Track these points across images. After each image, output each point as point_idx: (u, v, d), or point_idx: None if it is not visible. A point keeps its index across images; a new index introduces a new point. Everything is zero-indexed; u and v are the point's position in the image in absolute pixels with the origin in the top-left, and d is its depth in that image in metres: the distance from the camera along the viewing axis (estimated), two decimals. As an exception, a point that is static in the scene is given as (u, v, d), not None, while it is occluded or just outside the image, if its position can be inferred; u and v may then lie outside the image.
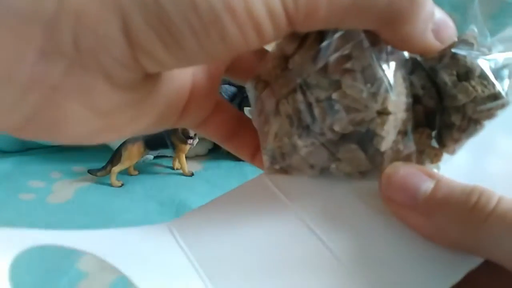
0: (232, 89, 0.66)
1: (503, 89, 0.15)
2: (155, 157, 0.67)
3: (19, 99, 0.13)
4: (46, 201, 0.57)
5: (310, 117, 0.16)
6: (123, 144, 0.62)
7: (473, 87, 0.15)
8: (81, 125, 0.14)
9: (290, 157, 0.17)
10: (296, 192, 0.17)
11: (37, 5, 0.12)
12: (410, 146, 0.15)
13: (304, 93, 0.15)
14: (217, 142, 0.20)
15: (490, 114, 0.15)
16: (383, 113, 0.14)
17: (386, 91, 0.14)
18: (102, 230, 0.16)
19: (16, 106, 0.13)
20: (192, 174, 0.63)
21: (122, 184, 0.61)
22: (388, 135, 0.15)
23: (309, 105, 0.15)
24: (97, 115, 0.14)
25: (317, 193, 0.17)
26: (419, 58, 0.16)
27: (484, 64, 0.15)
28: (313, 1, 0.13)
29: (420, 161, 0.16)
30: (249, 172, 0.64)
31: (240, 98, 0.66)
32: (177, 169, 0.65)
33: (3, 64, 0.12)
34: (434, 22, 0.15)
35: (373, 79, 0.14)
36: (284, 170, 0.18)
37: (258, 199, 0.18)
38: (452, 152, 0.16)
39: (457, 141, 0.16)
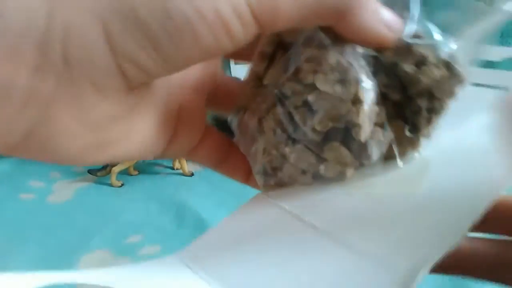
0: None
1: (457, 69, 0.17)
2: (155, 157, 0.67)
3: (16, 115, 0.13)
4: (46, 201, 0.57)
5: (292, 125, 0.16)
6: (123, 144, 0.62)
7: (431, 71, 0.16)
8: (74, 140, 0.14)
9: (281, 168, 0.17)
10: (297, 200, 0.17)
11: (29, 22, 0.12)
12: (388, 136, 0.17)
13: (283, 104, 0.16)
14: (209, 168, 0.20)
15: (451, 92, 0.17)
16: (357, 102, 0.16)
17: (356, 81, 0.16)
18: (117, 268, 0.16)
19: (14, 123, 0.13)
20: (192, 174, 0.63)
21: (122, 184, 0.61)
22: (365, 123, 0.16)
23: (290, 114, 0.16)
24: (89, 128, 0.14)
25: (314, 198, 0.17)
26: (378, 55, 0.17)
27: (437, 50, 0.17)
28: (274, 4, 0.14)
29: (402, 151, 0.17)
30: (249, 172, 0.64)
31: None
32: (177, 169, 0.65)
33: (1, 81, 0.12)
34: (383, 15, 0.16)
35: (342, 73, 0.16)
36: (279, 184, 0.18)
37: (266, 218, 0.18)
38: (428, 136, 0.17)
39: (429, 123, 0.17)
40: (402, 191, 0.16)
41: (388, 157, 0.17)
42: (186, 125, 0.18)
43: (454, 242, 0.14)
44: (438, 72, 0.16)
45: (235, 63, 0.73)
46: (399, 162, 0.17)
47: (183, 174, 0.63)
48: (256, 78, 0.18)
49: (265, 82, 0.17)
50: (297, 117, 0.16)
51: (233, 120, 0.19)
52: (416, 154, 0.17)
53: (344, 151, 0.17)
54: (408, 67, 0.17)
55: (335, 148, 0.17)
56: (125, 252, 0.45)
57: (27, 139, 0.14)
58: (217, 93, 0.20)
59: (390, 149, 0.17)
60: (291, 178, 0.18)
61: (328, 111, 0.16)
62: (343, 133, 0.16)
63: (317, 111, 0.16)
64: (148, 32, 0.13)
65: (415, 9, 0.17)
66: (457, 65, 0.17)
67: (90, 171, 0.62)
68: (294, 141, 0.17)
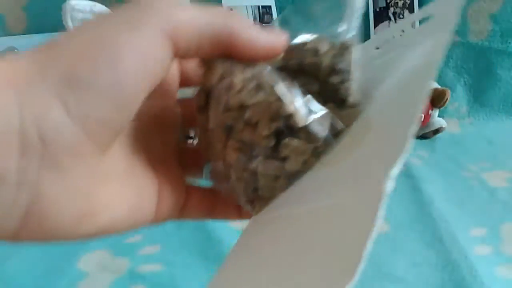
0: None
1: (344, 43, 0.21)
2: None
3: (12, 199, 0.15)
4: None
5: (247, 145, 0.19)
6: (123, 144, 0.62)
7: (326, 53, 0.20)
8: (66, 210, 0.16)
9: (258, 185, 0.20)
10: (282, 202, 0.19)
11: (8, 120, 0.15)
12: (321, 109, 0.19)
13: (232, 134, 0.19)
14: (203, 219, 0.23)
15: (348, 59, 0.20)
16: (279, 98, 0.18)
17: (271, 80, 0.18)
18: None
19: (11, 207, 0.15)
20: (192, 174, 0.63)
21: None
22: (296, 111, 0.18)
23: (241, 139, 0.19)
24: (75, 195, 0.16)
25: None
26: (286, 65, 0.20)
27: (323, 39, 0.21)
28: (176, 31, 0.17)
29: (346, 124, 0.20)
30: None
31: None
32: (177, 169, 0.65)
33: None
34: (259, 29, 0.19)
35: (257, 79, 0.19)
36: (265, 202, 0.20)
37: (264, 229, 0.19)
38: (355, 101, 0.20)
39: (348, 91, 0.20)
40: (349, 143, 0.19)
41: (334, 133, 0.19)
42: (167, 190, 0.21)
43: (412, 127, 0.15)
44: (331, 51, 0.20)
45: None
46: (341, 124, 0.20)
47: (183, 174, 0.63)
48: (204, 129, 0.20)
49: (211, 126, 0.20)
50: (246, 137, 0.19)
51: (206, 175, 0.22)
52: (359, 118, 0.20)
53: (295, 142, 0.19)
54: (309, 60, 0.20)
55: (287, 144, 0.19)
56: (125, 252, 0.45)
57: (25, 221, 0.15)
58: (186, 162, 0.23)
59: (334, 128, 0.19)
60: (270, 189, 0.20)
61: (265, 115, 0.18)
62: (287, 128, 0.19)
63: (259, 122, 0.18)
64: (94, 92, 0.15)
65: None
66: (342, 41, 0.21)
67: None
68: (256, 156, 0.19)
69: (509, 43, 0.82)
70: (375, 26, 0.82)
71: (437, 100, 0.75)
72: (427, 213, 0.51)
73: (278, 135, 0.19)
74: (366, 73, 0.22)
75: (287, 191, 0.19)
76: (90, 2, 0.66)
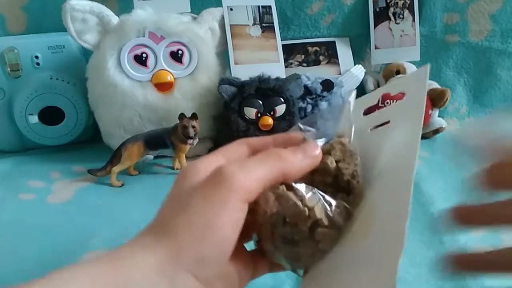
0: (233, 89, 0.67)
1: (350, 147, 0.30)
2: (155, 157, 0.67)
3: None
4: (46, 201, 0.57)
5: (289, 236, 0.28)
6: (123, 144, 0.62)
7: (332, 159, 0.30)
8: None
9: (301, 259, 0.29)
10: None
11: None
12: (337, 204, 0.28)
13: (277, 229, 0.28)
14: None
15: (356, 160, 0.30)
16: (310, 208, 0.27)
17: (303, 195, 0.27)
18: None
19: None
20: (192, 174, 0.63)
21: (122, 184, 0.61)
22: (322, 214, 0.27)
23: (284, 232, 0.28)
24: None
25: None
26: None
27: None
28: (248, 195, 0.26)
29: (353, 207, 0.28)
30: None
31: (240, 98, 0.66)
32: (177, 169, 0.65)
33: None
34: (302, 155, 0.29)
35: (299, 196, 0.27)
36: (307, 269, 0.30)
37: None
38: (360, 191, 0.29)
39: (358, 183, 0.29)
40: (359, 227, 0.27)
41: (348, 216, 0.28)
42: (246, 273, 0.28)
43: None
44: (337, 155, 0.30)
45: (235, 64, 0.73)
46: (351, 210, 0.28)
47: (183, 174, 0.63)
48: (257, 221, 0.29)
49: (260, 220, 0.28)
50: (288, 230, 0.27)
51: (254, 241, 0.30)
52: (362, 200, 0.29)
53: (324, 230, 0.27)
54: (331, 164, 0.29)
55: (319, 232, 0.27)
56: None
57: None
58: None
59: (349, 213, 0.28)
60: (309, 263, 0.29)
61: (301, 219, 0.27)
62: (315, 225, 0.27)
63: (298, 222, 0.27)
64: (210, 260, 0.24)
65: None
66: (342, 139, 0.31)
67: (90, 171, 0.62)
68: (297, 242, 0.28)
69: (509, 43, 0.82)
70: (375, 26, 0.82)
71: (437, 100, 0.75)
72: (427, 213, 0.51)
73: (311, 229, 0.27)
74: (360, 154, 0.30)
75: (322, 263, 0.28)
76: (90, 2, 0.66)
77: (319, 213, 0.27)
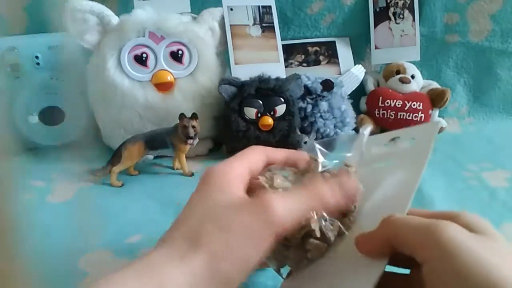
0: (232, 89, 0.67)
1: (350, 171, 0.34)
2: (155, 157, 0.67)
3: None
4: (46, 201, 0.57)
5: (285, 242, 0.31)
6: (123, 144, 0.62)
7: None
8: None
9: (289, 263, 0.33)
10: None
11: None
12: (332, 221, 0.31)
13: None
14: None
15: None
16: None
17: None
18: None
19: None
20: (192, 174, 0.63)
21: (122, 184, 0.61)
22: (317, 229, 0.30)
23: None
24: None
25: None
26: None
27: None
28: (281, 230, 0.28)
29: (346, 228, 0.32)
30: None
31: (240, 98, 0.66)
32: (177, 169, 0.65)
33: None
34: (338, 191, 0.30)
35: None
36: (292, 272, 0.33)
37: None
38: (354, 215, 0.33)
39: (355, 209, 0.33)
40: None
41: (339, 234, 0.31)
42: None
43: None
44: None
45: (235, 64, 0.73)
46: (344, 230, 0.31)
47: (183, 174, 0.63)
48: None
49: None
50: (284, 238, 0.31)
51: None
52: (356, 225, 0.32)
53: (315, 241, 0.31)
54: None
55: (311, 242, 0.31)
56: (125, 252, 0.45)
57: None
58: None
59: (341, 232, 0.31)
60: (296, 267, 0.32)
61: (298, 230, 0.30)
62: (308, 234, 0.31)
63: (294, 231, 0.30)
64: (235, 284, 0.26)
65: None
66: (352, 168, 0.34)
67: (90, 171, 0.62)
68: (289, 247, 0.31)
69: (509, 43, 0.82)
70: (375, 26, 0.82)
71: (437, 100, 0.75)
72: (427, 213, 0.51)
73: (304, 237, 0.30)
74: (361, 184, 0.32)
75: (307, 269, 0.31)
76: (90, 2, 0.66)
77: (314, 225, 0.30)
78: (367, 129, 0.36)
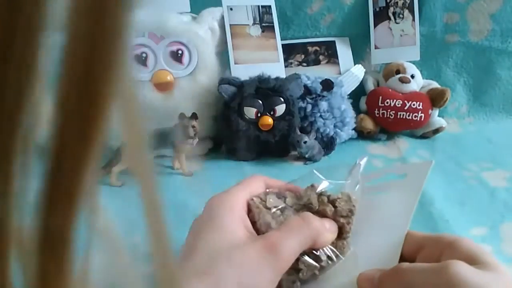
0: (232, 89, 0.66)
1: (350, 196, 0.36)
2: (155, 157, 0.67)
3: None
4: (46, 201, 0.57)
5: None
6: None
7: (341, 204, 0.36)
8: None
9: (282, 284, 0.33)
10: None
11: None
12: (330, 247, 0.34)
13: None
14: None
15: (354, 206, 0.36)
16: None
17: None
18: None
19: None
20: (192, 174, 0.63)
21: (122, 184, 0.60)
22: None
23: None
24: None
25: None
26: None
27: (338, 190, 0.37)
28: (283, 267, 0.31)
29: (343, 250, 0.34)
30: (249, 172, 0.64)
31: (240, 98, 0.66)
32: (177, 169, 0.65)
33: None
34: (327, 226, 0.34)
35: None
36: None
37: None
38: (348, 236, 0.35)
39: (348, 230, 0.35)
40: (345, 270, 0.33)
41: (336, 256, 0.33)
42: None
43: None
44: (342, 201, 0.35)
45: (235, 63, 0.73)
46: (341, 257, 0.34)
47: (183, 174, 0.63)
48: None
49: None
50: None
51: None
52: (349, 250, 0.35)
53: (309, 261, 0.32)
54: (322, 206, 0.35)
55: (303, 261, 0.32)
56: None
57: None
58: None
59: (334, 253, 0.33)
60: (289, 285, 0.33)
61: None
62: (304, 253, 0.32)
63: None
64: None
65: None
66: (349, 193, 0.36)
67: (90, 171, 0.62)
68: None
69: (509, 43, 0.82)
70: (375, 26, 0.82)
71: (437, 99, 0.75)
72: (427, 213, 0.51)
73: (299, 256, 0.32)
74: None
75: None
76: (90, 2, 0.66)
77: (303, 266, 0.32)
78: (364, 159, 0.39)
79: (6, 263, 0.11)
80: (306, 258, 0.32)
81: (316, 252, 0.33)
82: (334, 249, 0.33)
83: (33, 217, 0.11)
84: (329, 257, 0.33)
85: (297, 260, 0.32)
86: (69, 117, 0.10)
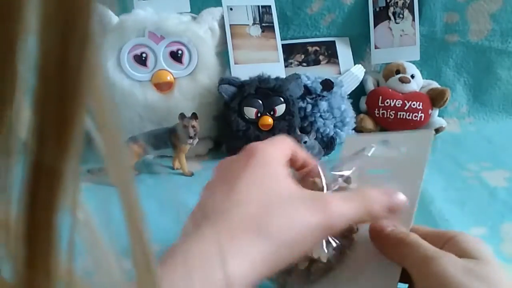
0: (232, 89, 0.67)
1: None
2: (155, 157, 0.67)
3: None
4: (46, 201, 0.57)
5: (288, 269, 0.32)
6: (123, 144, 0.62)
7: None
8: None
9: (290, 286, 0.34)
10: None
11: None
12: (338, 246, 0.33)
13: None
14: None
15: None
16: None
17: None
18: None
19: None
20: (192, 174, 0.63)
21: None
22: (323, 255, 0.32)
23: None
24: None
25: None
26: None
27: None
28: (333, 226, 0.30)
29: (349, 246, 0.34)
30: (249, 172, 0.63)
31: (240, 98, 0.66)
32: (177, 169, 0.65)
33: None
34: (386, 198, 0.32)
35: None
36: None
37: None
38: (352, 240, 0.34)
39: (353, 228, 0.34)
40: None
41: (342, 255, 0.33)
42: None
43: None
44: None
45: (235, 63, 0.73)
46: (346, 251, 0.33)
47: (183, 174, 0.63)
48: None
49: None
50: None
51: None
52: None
53: (319, 265, 0.32)
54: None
55: (315, 266, 0.32)
56: (125, 252, 0.45)
57: None
58: None
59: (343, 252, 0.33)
60: (300, 285, 0.33)
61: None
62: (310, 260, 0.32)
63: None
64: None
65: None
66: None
67: (90, 171, 0.62)
68: (291, 273, 0.33)
69: (509, 43, 0.82)
70: (375, 26, 0.82)
71: (437, 99, 0.75)
72: (427, 212, 0.51)
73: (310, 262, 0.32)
74: None
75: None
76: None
77: (316, 254, 0.32)
78: (371, 150, 0.37)
79: None
80: (318, 264, 0.32)
81: (328, 258, 0.32)
82: (345, 248, 0.33)
83: (17, 210, 0.12)
84: (339, 256, 0.33)
85: (309, 265, 0.32)
86: (46, 117, 0.11)
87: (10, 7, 0.10)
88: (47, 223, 0.12)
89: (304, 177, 0.34)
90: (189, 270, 0.24)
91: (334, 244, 0.32)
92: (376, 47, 0.82)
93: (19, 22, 0.10)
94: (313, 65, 0.82)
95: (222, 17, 0.72)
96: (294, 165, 0.35)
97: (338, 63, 0.82)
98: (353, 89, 0.77)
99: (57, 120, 0.11)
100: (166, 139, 0.62)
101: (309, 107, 0.69)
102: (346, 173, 0.34)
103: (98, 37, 0.11)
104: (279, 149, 0.32)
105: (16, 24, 0.10)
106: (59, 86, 0.11)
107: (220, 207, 0.28)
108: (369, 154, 0.36)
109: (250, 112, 0.65)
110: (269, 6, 0.76)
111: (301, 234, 0.27)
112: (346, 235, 0.33)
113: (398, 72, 0.78)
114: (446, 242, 0.30)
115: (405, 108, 0.75)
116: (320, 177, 0.33)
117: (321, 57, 0.82)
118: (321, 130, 0.69)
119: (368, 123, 0.75)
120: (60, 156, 0.12)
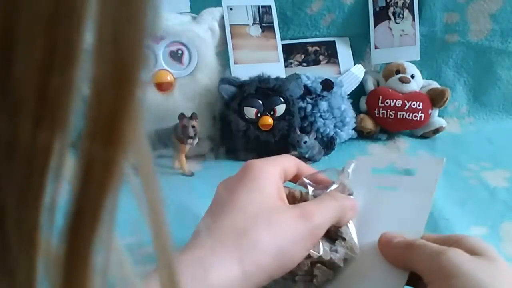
0: (232, 89, 0.67)
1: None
2: (155, 157, 0.67)
3: None
4: (46, 201, 0.57)
5: (293, 271, 0.32)
6: (123, 144, 0.61)
7: None
8: None
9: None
10: None
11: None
12: (341, 251, 0.34)
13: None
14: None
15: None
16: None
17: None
18: None
19: None
20: (192, 174, 0.63)
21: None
22: (327, 256, 0.33)
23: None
24: None
25: None
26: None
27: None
28: (316, 233, 0.32)
29: (352, 251, 0.34)
30: (249, 172, 0.63)
31: (240, 98, 0.66)
32: (177, 169, 0.65)
33: None
34: (352, 206, 0.35)
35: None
36: None
37: None
38: (352, 245, 0.35)
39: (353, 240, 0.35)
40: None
41: (347, 258, 0.33)
42: None
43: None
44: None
45: (235, 63, 0.73)
46: (354, 255, 0.34)
47: (183, 174, 0.63)
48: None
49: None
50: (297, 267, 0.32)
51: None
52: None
53: (323, 267, 0.33)
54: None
55: (318, 268, 0.33)
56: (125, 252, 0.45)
57: None
58: None
59: (347, 256, 0.34)
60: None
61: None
62: (319, 261, 0.33)
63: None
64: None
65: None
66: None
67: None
68: (296, 274, 0.33)
69: (509, 43, 0.82)
70: (375, 26, 0.82)
71: (437, 99, 0.75)
72: (427, 212, 0.51)
73: (312, 265, 0.33)
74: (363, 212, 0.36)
75: None
76: (90, 2, 0.66)
77: (324, 254, 0.32)
78: (351, 166, 0.39)
79: (34, 274, 0.12)
80: (321, 266, 0.33)
81: (332, 261, 0.33)
82: (348, 253, 0.34)
83: (59, 234, 0.12)
84: (344, 259, 0.33)
85: (312, 267, 0.33)
86: (93, 148, 0.12)
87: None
88: (85, 255, 0.12)
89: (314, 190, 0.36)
90: (182, 274, 0.25)
91: (337, 248, 0.33)
92: (376, 47, 0.82)
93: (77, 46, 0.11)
94: (313, 65, 0.82)
95: (222, 17, 0.72)
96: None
97: (338, 63, 0.82)
98: (353, 89, 0.77)
99: (105, 152, 0.12)
100: (166, 139, 0.62)
101: (309, 107, 0.69)
102: (334, 187, 0.36)
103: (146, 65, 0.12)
104: (273, 166, 0.34)
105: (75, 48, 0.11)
106: (107, 126, 0.12)
107: (214, 217, 0.31)
108: (349, 171, 0.38)
109: (250, 112, 0.65)
110: (269, 6, 0.76)
111: (288, 245, 0.29)
112: (334, 238, 0.34)
113: (398, 72, 0.78)
114: (452, 244, 0.31)
115: (405, 108, 0.75)
116: (307, 188, 0.36)
117: (321, 57, 0.82)
118: (321, 130, 0.69)
119: (368, 123, 0.75)
120: (106, 185, 0.13)
